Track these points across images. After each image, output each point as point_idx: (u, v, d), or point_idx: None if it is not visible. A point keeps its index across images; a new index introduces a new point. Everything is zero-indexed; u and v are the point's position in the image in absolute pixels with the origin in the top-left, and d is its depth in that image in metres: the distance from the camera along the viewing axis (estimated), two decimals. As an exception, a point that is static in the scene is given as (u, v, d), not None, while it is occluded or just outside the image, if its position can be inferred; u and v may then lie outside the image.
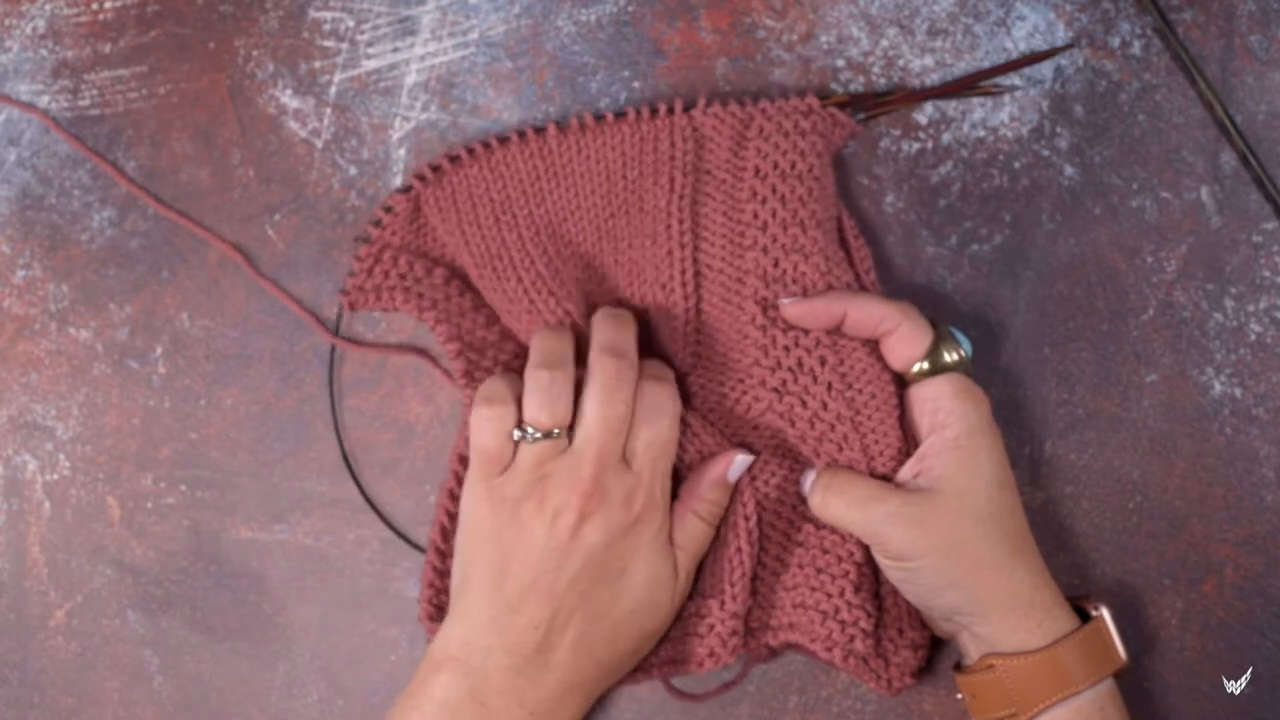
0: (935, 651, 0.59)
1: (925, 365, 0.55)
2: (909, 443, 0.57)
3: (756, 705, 0.61)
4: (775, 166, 0.57)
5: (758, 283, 0.57)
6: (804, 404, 0.56)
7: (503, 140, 0.59)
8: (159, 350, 0.63)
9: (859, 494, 0.54)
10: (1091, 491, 0.61)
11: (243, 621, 0.63)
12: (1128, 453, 0.61)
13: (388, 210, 0.60)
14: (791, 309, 0.56)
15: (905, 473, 0.55)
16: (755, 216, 0.58)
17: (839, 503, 0.54)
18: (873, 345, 0.57)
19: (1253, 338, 0.60)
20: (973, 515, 0.53)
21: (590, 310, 0.59)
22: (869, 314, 0.55)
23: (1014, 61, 0.61)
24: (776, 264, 0.57)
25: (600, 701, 0.61)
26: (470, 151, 0.59)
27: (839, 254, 0.58)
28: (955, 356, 0.55)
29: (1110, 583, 0.60)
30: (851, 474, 0.55)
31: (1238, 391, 0.60)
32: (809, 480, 0.57)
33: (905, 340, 0.55)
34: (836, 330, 0.56)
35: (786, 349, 0.57)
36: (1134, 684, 0.60)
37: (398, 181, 0.63)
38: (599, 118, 0.59)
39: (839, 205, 0.60)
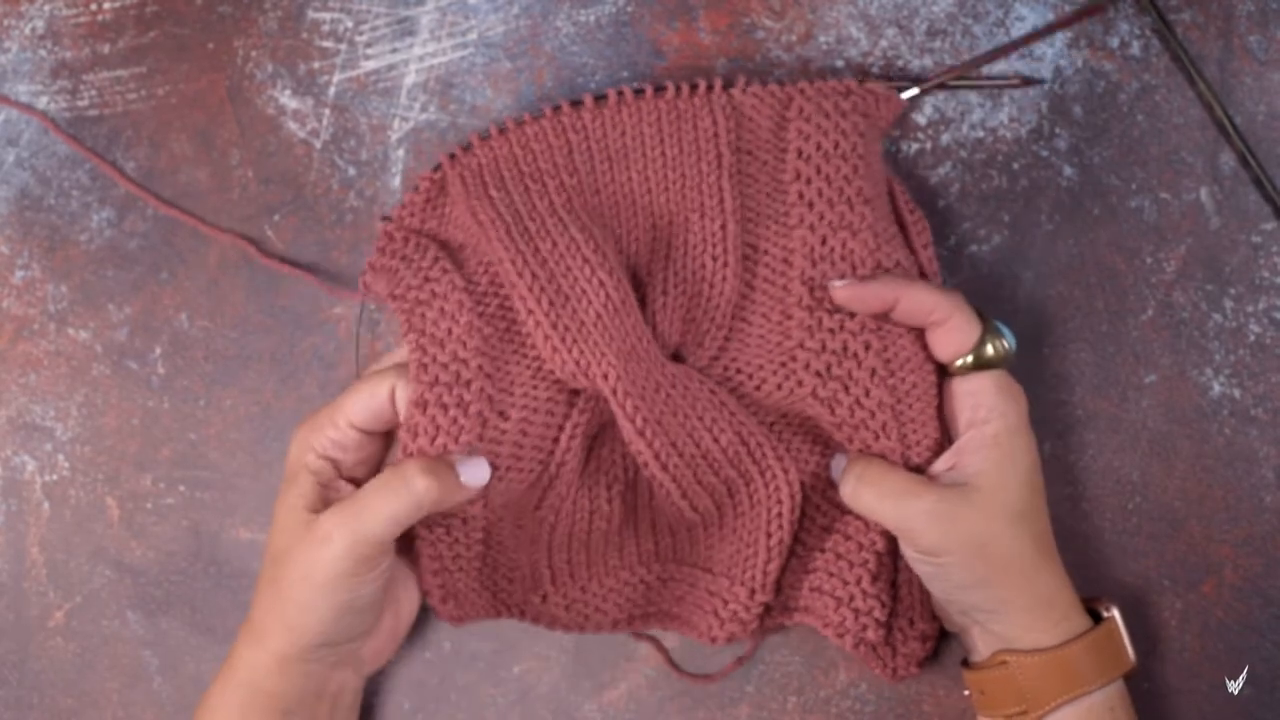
0: (937, 647, 0.59)
1: (970, 359, 0.55)
2: (945, 434, 0.56)
3: (756, 706, 0.61)
4: (818, 147, 0.57)
5: (804, 263, 0.56)
6: (847, 390, 0.56)
7: (535, 115, 0.58)
8: (158, 351, 0.63)
9: (892, 487, 0.54)
10: (1091, 492, 0.61)
11: (242, 622, 0.63)
12: (1127, 454, 0.61)
13: (415, 190, 0.59)
14: (842, 292, 0.55)
15: (940, 465, 0.55)
16: (801, 196, 0.57)
17: (871, 494, 0.54)
18: (917, 333, 0.56)
19: (1252, 338, 0.60)
20: (1005, 514, 0.53)
21: (620, 267, 0.57)
22: (921, 303, 0.54)
23: (1035, 33, 0.59)
24: (824, 241, 0.56)
25: (597, 700, 0.61)
26: (501, 129, 0.57)
27: (889, 230, 0.57)
28: (999, 350, 0.55)
29: (1110, 583, 0.60)
30: (884, 465, 0.55)
31: (1237, 392, 0.60)
32: (838, 467, 0.56)
33: (955, 332, 0.54)
34: (884, 316, 0.56)
35: (832, 331, 0.56)
36: (1133, 685, 0.60)
37: (397, 182, 0.63)
38: (638, 91, 0.58)
39: (889, 180, 0.59)
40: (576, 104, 0.58)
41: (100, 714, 0.63)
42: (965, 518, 0.52)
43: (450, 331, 0.55)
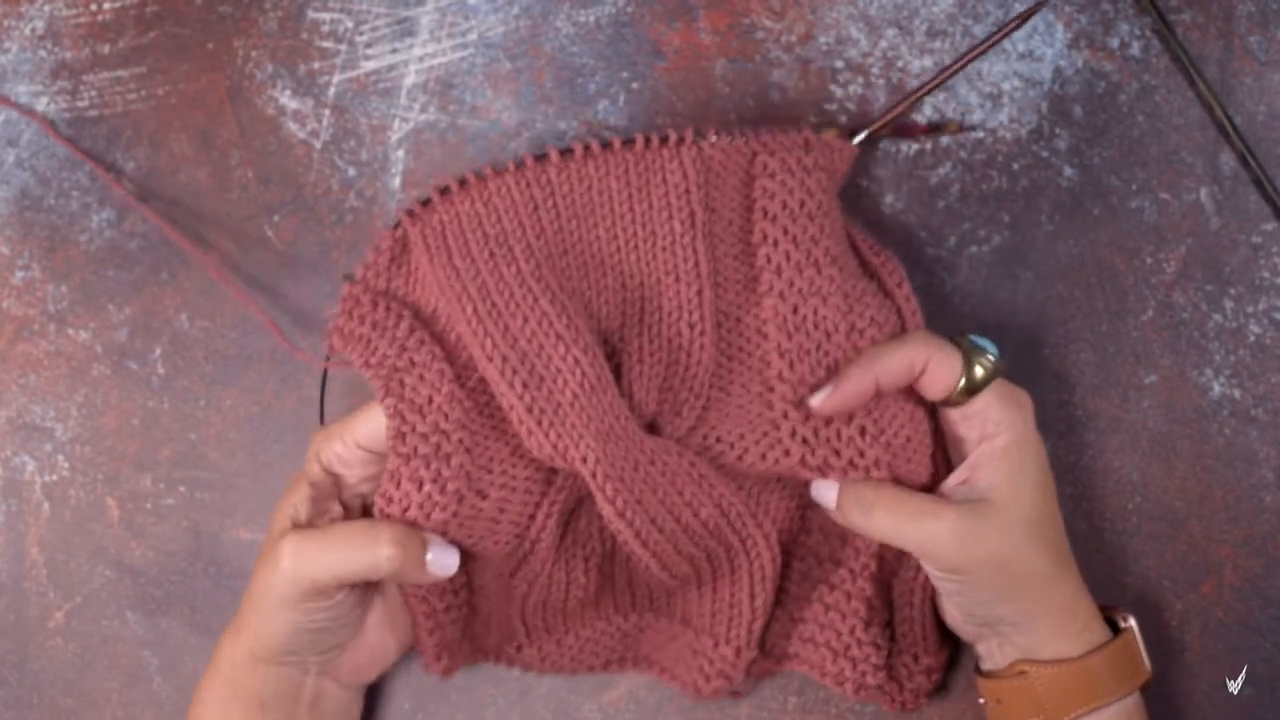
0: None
1: (962, 385, 0.54)
2: (940, 473, 0.56)
3: (756, 706, 0.61)
4: (784, 206, 0.55)
5: (779, 334, 0.55)
6: (838, 454, 0.54)
7: (499, 170, 0.55)
8: (158, 351, 0.63)
9: (909, 509, 0.53)
10: (1091, 492, 0.61)
11: (242, 622, 0.63)
12: (1127, 454, 0.61)
13: (375, 249, 0.56)
14: (825, 406, 0.54)
15: (951, 482, 0.55)
16: (769, 260, 0.55)
17: (888, 519, 0.53)
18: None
19: (1252, 339, 0.60)
20: (1022, 525, 0.52)
21: (593, 340, 0.55)
22: (896, 367, 0.54)
23: (996, 34, 0.58)
24: (796, 310, 0.55)
25: (597, 700, 0.61)
26: (463, 183, 0.55)
27: (859, 286, 0.56)
28: (987, 367, 0.54)
29: (1110, 583, 0.60)
30: (895, 488, 0.54)
31: (1237, 393, 0.60)
32: (830, 493, 0.55)
33: (938, 371, 0.54)
34: (880, 391, 0.54)
35: None
36: (1133, 685, 0.60)
37: (396, 182, 0.63)
38: (605, 144, 0.55)
39: (848, 229, 0.58)
40: (541, 158, 0.55)
41: (100, 714, 0.63)
42: (985, 533, 0.52)
43: (431, 400, 0.53)
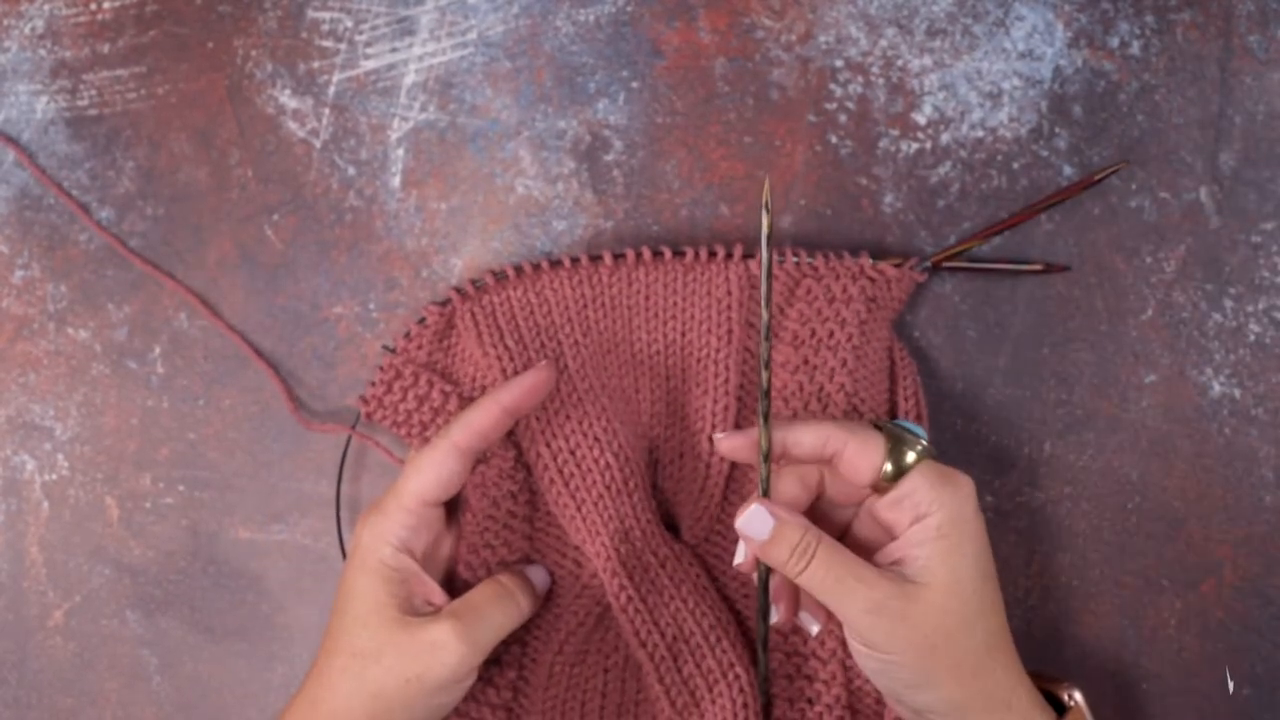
0: None
1: (889, 469, 0.51)
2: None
3: (755, 706, 0.61)
4: (813, 334, 0.57)
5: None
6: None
7: (554, 264, 0.58)
8: (157, 350, 0.63)
9: (844, 569, 0.50)
10: (1090, 492, 0.61)
11: (241, 622, 0.63)
12: (1126, 453, 0.61)
13: (420, 322, 0.58)
14: (724, 443, 0.54)
15: (882, 558, 0.52)
16: (783, 386, 0.57)
17: (820, 572, 0.50)
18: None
19: (1252, 338, 0.60)
20: (957, 613, 0.50)
21: (629, 441, 0.57)
22: (808, 439, 0.52)
23: (1070, 187, 0.60)
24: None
25: (599, 702, 0.61)
26: (518, 271, 0.58)
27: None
28: (916, 451, 0.51)
29: (1109, 583, 0.60)
30: (835, 544, 0.51)
31: (1237, 392, 0.60)
32: (763, 526, 0.52)
33: (858, 454, 0.52)
34: (789, 459, 0.53)
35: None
36: (1133, 684, 0.60)
37: (396, 181, 0.63)
38: (657, 253, 0.58)
39: (890, 359, 0.59)
40: (595, 259, 0.58)
41: (99, 713, 0.63)
42: (916, 617, 0.49)
43: (484, 475, 0.57)
